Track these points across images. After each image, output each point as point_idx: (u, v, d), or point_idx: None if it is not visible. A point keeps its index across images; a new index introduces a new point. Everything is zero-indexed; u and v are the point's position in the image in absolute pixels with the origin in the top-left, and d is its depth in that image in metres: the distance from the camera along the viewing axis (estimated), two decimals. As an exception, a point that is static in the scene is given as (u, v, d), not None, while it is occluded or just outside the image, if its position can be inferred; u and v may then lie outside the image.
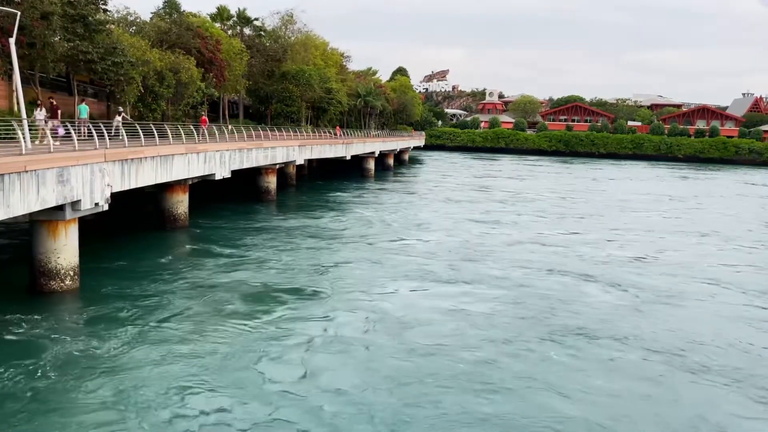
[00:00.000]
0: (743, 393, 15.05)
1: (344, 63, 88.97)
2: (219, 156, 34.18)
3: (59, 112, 25.59)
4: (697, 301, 22.97)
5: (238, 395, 13.70)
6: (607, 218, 43.49)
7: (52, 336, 16.66)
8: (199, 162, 31.73)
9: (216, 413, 12.92)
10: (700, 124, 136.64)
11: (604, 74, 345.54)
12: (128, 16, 45.70)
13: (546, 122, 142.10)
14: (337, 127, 70.06)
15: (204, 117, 37.13)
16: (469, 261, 27.75)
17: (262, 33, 67.07)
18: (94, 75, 35.05)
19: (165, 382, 14.11)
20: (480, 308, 20.77)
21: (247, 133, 42.18)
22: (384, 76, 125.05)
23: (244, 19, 65.24)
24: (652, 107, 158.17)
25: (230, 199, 43.37)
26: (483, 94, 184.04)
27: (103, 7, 36.70)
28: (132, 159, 24.45)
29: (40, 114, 24.16)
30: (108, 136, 24.21)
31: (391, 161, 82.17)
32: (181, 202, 32.02)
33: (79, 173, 20.00)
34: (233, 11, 65.09)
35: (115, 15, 44.41)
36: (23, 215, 17.77)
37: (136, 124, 27.55)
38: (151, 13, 52.16)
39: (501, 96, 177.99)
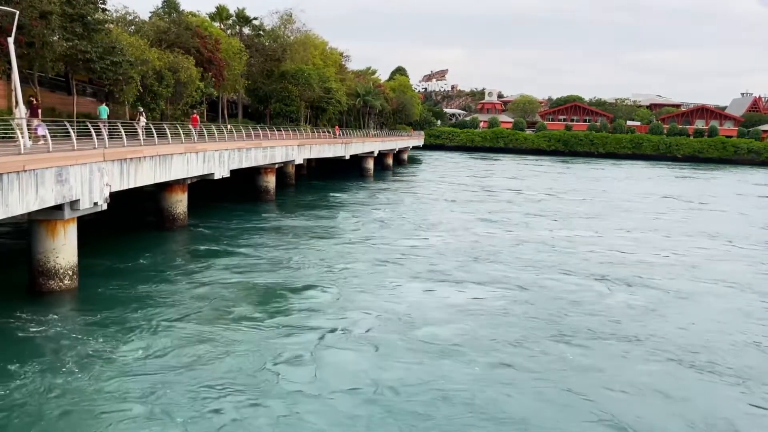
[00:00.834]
0: (754, 392, 15.07)
1: (343, 63, 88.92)
2: (218, 155, 34.16)
3: (39, 111, 25.60)
4: (707, 301, 22.99)
5: (239, 395, 13.67)
6: (613, 218, 43.36)
7: (51, 335, 16.65)
8: (198, 161, 31.71)
9: (217, 413, 12.91)
10: (699, 124, 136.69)
11: (604, 74, 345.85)
12: (127, 16, 45.62)
13: (545, 122, 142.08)
14: (336, 127, 70.04)
15: (195, 116, 36.45)
16: (475, 260, 27.74)
17: (261, 32, 67.01)
18: (93, 74, 34.98)
19: (165, 381, 14.10)
20: (490, 308, 20.77)
21: (246, 132, 42.16)
22: (383, 75, 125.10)
23: (243, 18, 65.17)
24: (651, 107, 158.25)
25: (229, 199, 43.34)
26: (482, 93, 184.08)
27: (102, 6, 36.63)
28: (131, 158, 24.44)
29: (20, 112, 24.09)
30: (131, 136, 26.51)
31: (390, 161, 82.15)
32: (180, 202, 32.00)
33: (77, 173, 19.99)
34: (232, 11, 65.05)
35: (114, 14, 44.34)
36: (22, 215, 17.76)
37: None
38: (150, 12, 52.13)
39: (500, 96, 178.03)
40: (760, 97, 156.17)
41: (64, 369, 14.56)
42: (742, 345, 18.43)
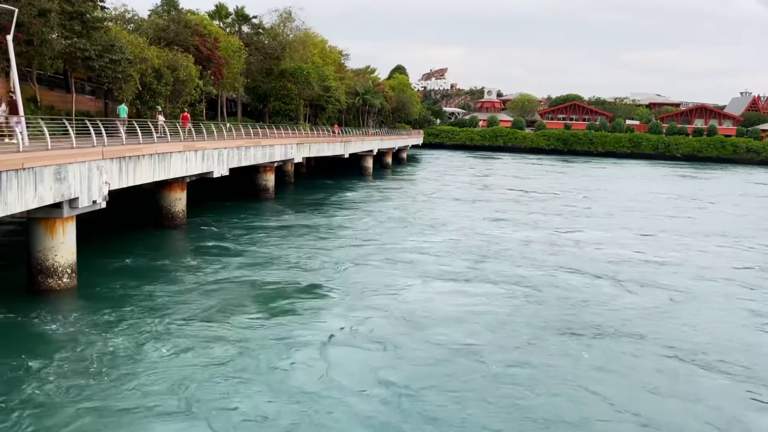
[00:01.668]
0: (764, 392, 15.11)
1: (342, 61, 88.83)
2: (217, 154, 34.12)
3: (20, 107, 25.52)
4: (717, 300, 22.97)
5: (244, 395, 13.63)
6: (619, 217, 43.25)
7: (49, 334, 16.63)
8: (197, 160, 31.67)
9: (223, 412, 12.88)
10: (698, 123, 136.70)
11: (603, 73, 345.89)
12: (126, 14, 45.53)
13: (544, 121, 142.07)
14: (336, 125, 70.00)
15: (185, 114, 35.50)
16: (482, 260, 27.68)
17: (261, 31, 66.89)
18: (92, 72, 34.89)
19: (164, 380, 14.08)
20: (499, 307, 20.76)
21: (245, 130, 42.11)
22: (382, 74, 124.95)
23: (242, 16, 65.04)
24: (651, 106, 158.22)
25: (228, 197, 43.31)
26: (481, 92, 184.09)
27: (101, 4, 36.59)
28: (130, 156, 24.39)
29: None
30: (155, 134, 28.36)
31: (389, 159, 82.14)
32: (179, 200, 31.97)
33: (76, 171, 19.95)
34: (231, 9, 64.94)
35: (113, 12, 44.27)
36: (21, 213, 17.72)
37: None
38: (149, 10, 51.96)
39: (499, 94, 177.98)
40: (759, 97, 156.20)
41: (62, 367, 14.53)
42: (753, 344, 18.40)
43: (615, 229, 38.19)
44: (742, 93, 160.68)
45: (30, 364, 14.62)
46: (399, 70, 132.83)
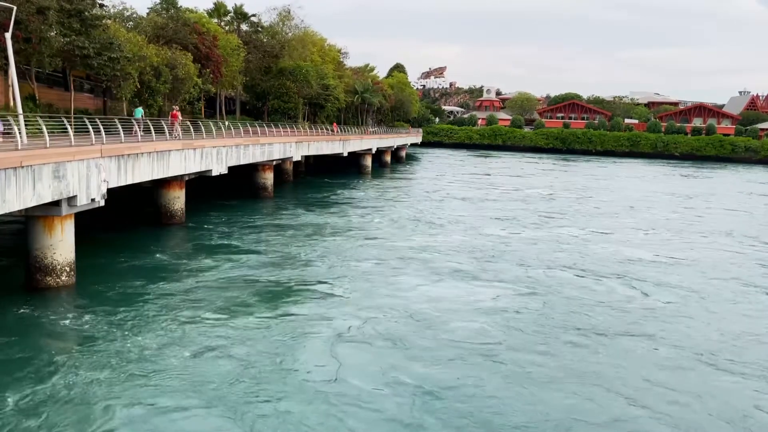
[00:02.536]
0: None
1: (341, 59, 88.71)
2: (216, 152, 34.11)
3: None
4: (729, 300, 22.91)
5: (248, 394, 13.61)
6: (624, 216, 43.04)
7: (48, 332, 16.64)
8: (195, 158, 31.67)
9: (222, 412, 12.90)
10: (697, 122, 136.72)
11: (602, 72, 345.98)
12: (125, 12, 45.47)
13: (543, 120, 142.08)
14: (334, 124, 69.97)
15: (175, 112, 34.61)
16: (483, 257, 27.69)
17: (259, 29, 66.78)
18: (91, 70, 34.85)
19: (164, 379, 14.09)
20: (507, 306, 20.71)
21: (244, 129, 42.09)
22: (381, 72, 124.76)
23: (241, 14, 64.94)
24: (649, 105, 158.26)
25: (227, 196, 43.30)
26: (480, 91, 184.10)
27: (100, 2, 36.49)
28: (128, 154, 24.39)
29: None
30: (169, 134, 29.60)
31: (388, 158, 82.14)
32: (177, 198, 31.96)
33: (75, 169, 19.95)
34: (230, 7, 64.85)
35: (112, 10, 44.17)
36: (19, 211, 17.72)
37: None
38: (148, 8, 51.86)
39: (498, 93, 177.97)
40: (757, 96, 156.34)
41: (60, 364, 14.54)
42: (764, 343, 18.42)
43: (621, 228, 38.05)
44: (740, 92, 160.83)
45: (28, 362, 14.63)
46: (398, 68, 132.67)
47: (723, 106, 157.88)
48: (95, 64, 32.82)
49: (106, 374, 14.09)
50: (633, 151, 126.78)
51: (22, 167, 17.05)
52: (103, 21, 35.81)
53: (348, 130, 69.69)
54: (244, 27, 65.86)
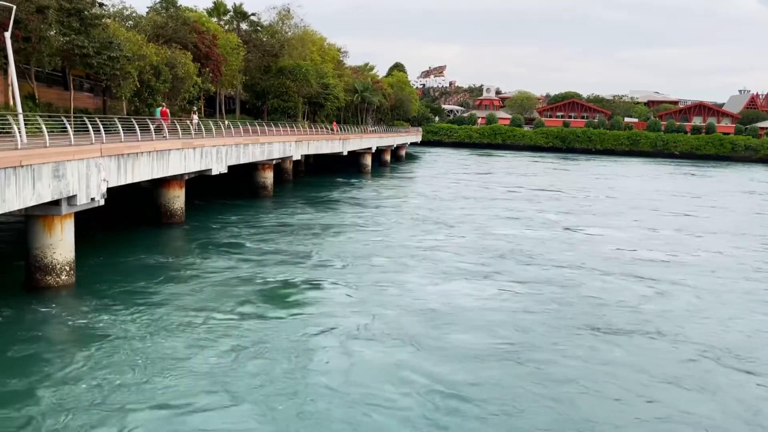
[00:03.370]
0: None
1: (341, 58, 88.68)
2: (215, 151, 34.09)
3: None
4: (742, 298, 22.85)
5: (254, 394, 13.56)
6: (630, 216, 42.84)
7: (48, 332, 16.63)
8: (195, 157, 31.65)
9: (227, 412, 12.88)
10: (697, 121, 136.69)
11: (601, 71, 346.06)
12: (124, 11, 45.42)
13: (543, 118, 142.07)
14: (334, 123, 69.95)
15: (164, 109, 33.51)
16: (490, 257, 27.59)
17: (259, 28, 66.75)
18: (90, 69, 34.80)
19: (166, 378, 14.07)
20: (518, 305, 20.63)
21: (243, 128, 42.07)
22: (381, 71, 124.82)
23: (240, 14, 64.90)
24: (649, 104, 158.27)
25: (227, 195, 43.29)
26: (480, 90, 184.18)
27: (99, 1, 36.46)
28: (128, 154, 24.37)
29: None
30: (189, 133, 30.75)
31: (387, 157, 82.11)
32: (177, 198, 31.95)
33: (75, 168, 19.94)
34: (230, 6, 64.81)
35: (111, 9, 44.13)
36: (19, 210, 17.71)
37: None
38: (148, 7, 51.83)
39: (498, 92, 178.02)
40: (757, 94, 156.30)
41: (60, 364, 14.53)
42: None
43: (629, 227, 37.90)
44: (740, 91, 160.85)
45: (28, 361, 14.62)
46: (398, 67, 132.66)
47: (723, 105, 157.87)
48: (95, 64, 32.78)
49: (107, 373, 14.07)
50: (633, 150, 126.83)
51: (22, 166, 17.03)
52: (103, 20, 35.76)
53: (348, 129, 69.67)
54: (243, 26, 65.83)
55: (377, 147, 74.85)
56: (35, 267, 19.83)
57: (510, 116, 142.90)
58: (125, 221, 32.46)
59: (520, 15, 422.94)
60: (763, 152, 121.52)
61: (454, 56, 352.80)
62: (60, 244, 19.90)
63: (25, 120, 20.85)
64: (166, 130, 30.13)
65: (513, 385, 14.50)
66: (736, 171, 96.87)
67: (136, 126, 26.61)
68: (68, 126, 20.91)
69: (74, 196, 20.06)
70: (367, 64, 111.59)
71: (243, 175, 44.85)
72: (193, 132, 32.81)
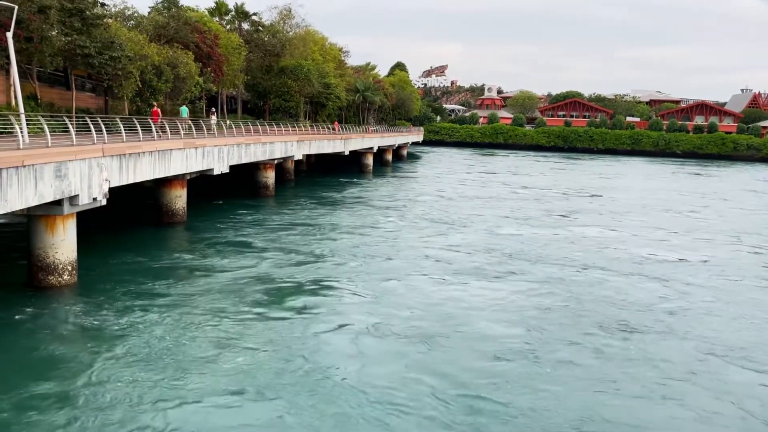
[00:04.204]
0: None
1: (343, 58, 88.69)
2: (217, 151, 34.12)
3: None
4: (757, 298, 22.80)
5: (251, 396, 13.57)
6: (639, 215, 42.76)
7: (50, 331, 16.64)
8: (197, 157, 31.67)
9: (225, 410, 12.89)
10: (699, 120, 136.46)
11: (603, 70, 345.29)
12: (126, 11, 45.49)
13: (544, 118, 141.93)
14: (336, 122, 69.96)
15: (156, 109, 32.44)
16: (500, 257, 27.55)
17: (260, 28, 66.78)
18: (92, 69, 34.83)
19: (169, 377, 14.08)
20: (530, 305, 20.62)
21: (245, 128, 42.08)
22: (382, 71, 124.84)
23: (242, 13, 64.94)
24: (651, 103, 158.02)
25: (229, 195, 43.31)
26: (482, 89, 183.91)
27: (101, 1, 36.50)
28: (130, 154, 24.39)
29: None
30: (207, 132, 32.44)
31: (389, 156, 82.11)
32: (179, 197, 31.97)
33: (77, 168, 19.96)
34: (231, 6, 64.88)
35: (113, 9, 44.20)
36: (21, 210, 17.73)
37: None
38: (149, 7, 51.90)
39: (500, 91, 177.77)
40: (759, 93, 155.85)
41: (62, 363, 14.55)
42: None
43: (638, 227, 37.75)
44: (742, 90, 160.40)
45: (30, 360, 14.64)
46: (399, 67, 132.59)
47: (725, 104, 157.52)
48: (96, 63, 32.81)
49: (108, 372, 14.09)
50: (635, 149, 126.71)
51: (24, 166, 17.06)
52: (105, 20, 35.82)
53: (349, 129, 69.67)
54: (245, 26, 65.87)
55: (379, 147, 74.83)
56: (37, 267, 19.86)
57: (512, 116, 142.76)
58: (127, 221, 32.49)
59: (521, 14, 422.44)
60: (765, 151, 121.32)
61: (455, 55, 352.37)
62: (62, 244, 19.93)
63: (27, 120, 20.87)
64: (155, 131, 28.66)
65: (530, 384, 14.49)
66: (739, 170, 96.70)
67: (138, 126, 26.63)
68: (70, 126, 20.91)
69: (76, 196, 20.08)
70: (368, 64, 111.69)
71: (245, 175, 44.87)
72: (215, 131, 35.53)
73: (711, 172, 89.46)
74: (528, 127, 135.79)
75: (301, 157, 52.51)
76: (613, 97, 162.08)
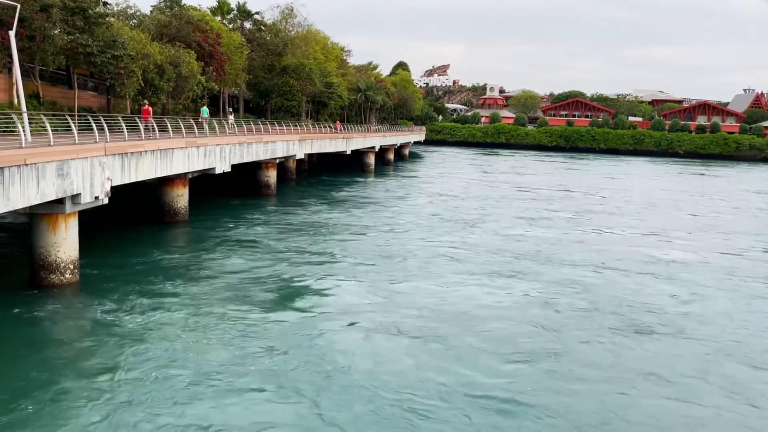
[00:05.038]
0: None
1: (344, 57, 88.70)
2: (219, 150, 34.11)
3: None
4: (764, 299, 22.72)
5: (254, 395, 13.51)
6: (647, 216, 42.53)
7: (52, 329, 16.65)
8: (199, 156, 31.66)
9: (235, 410, 12.87)
10: (701, 120, 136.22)
11: (605, 69, 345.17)
12: (128, 9, 45.52)
13: (547, 117, 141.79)
14: (338, 122, 69.94)
15: (146, 108, 31.03)
16: (507, 257, 27.45)
17: (262, 27, 66.79)
18: (94, 68, 34.89)
19: (172, 376, 14.05)
20: (540, 306, 20.49)
21: (247, 127, 42.09)
22: (384, 70, 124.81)
23: (244, 12, 64.96)
24: (653, 103, 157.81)
25: (230, 194, 43.31)
26: (483, 89, 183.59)
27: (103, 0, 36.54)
28: (132, 152, 24.39)
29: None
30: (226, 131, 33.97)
31: (391, 156, 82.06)
32: (181, 196, 31.97)
33: (79, 167, 19.96)
34: (233, 5, 64.89)
35: (115, 8, 44.23)
36: (23, 208, 17.73)
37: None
38: (151, 6, 51.94)
39: (502, 91, 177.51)
40: (762, 93, 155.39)
41: (64, 362, 14.55)
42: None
43: (648, 228, 37.51)
44: (745, 90, 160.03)
45: (31, 359, 14.63)
46: (401, 66, 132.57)
47: (727, 103, 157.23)
48: (99, 62, 32.84)
49: (110, 371, 14.07)
50: (637, 149, 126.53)
51: (26, 165, 17.05)
52: (107, 19, 35.86)
53: (351, 128, 69.64)
54: (247, 25, 65.89)
55: (381, 146, 74.79)
56: (39, 265, 19.86)
57: (514, 115, 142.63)
58: (129, 220, 32.50)
59: (523, 13, 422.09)
60: (767, 151, 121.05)
61: (457, 54, 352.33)
62: (64, 243, 19.93)
63: (29, 119, 20.89)
64: (143, 131, 26.61)
65: (545, 384, 14.45)
66: (743, 170, 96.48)
67: (140, 125, 26.62)
68: (72, 125, 20.92)
69: (78, 195, 20.08)
70: (370, 63, 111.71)
71: (246, 174, 44.86)
72: (236, 130, 37.79)
73: (714, 173, 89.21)
74: (530, 127, 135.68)
75: (302, 157, 52.51)
76: (616, 97, 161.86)
